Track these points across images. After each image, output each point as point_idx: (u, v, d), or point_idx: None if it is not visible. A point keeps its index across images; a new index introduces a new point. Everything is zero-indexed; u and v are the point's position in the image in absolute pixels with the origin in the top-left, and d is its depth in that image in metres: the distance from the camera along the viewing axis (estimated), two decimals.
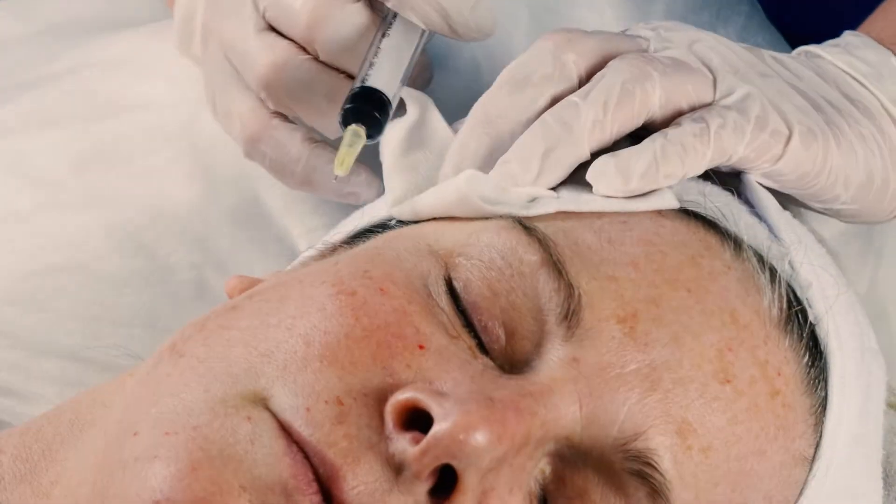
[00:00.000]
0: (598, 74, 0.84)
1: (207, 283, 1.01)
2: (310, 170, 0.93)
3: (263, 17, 0.92)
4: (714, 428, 0.76)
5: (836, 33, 0.99)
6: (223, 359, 0.75)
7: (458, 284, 0.78)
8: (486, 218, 0.82)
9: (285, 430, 0.72)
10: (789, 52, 1.20)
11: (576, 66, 0.86)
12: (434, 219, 0.84)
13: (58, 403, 0.89)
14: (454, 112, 0.91)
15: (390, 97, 0.88)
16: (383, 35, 0.90)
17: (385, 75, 0.89)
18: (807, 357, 0.81)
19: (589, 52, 0.86)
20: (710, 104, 0.85)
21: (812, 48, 0.96)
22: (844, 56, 0.94)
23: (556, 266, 0.78)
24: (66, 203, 1.02)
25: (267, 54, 0.91)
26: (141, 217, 1.02)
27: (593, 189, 0.82)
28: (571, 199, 0.82)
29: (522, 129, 0.84)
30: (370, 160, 0.92)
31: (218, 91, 0.96)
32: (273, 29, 0.92)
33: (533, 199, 0.82)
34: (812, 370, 0.81)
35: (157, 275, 1.01)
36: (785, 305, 0.81)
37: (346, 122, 0.87)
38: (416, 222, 0.85)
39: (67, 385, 0.98)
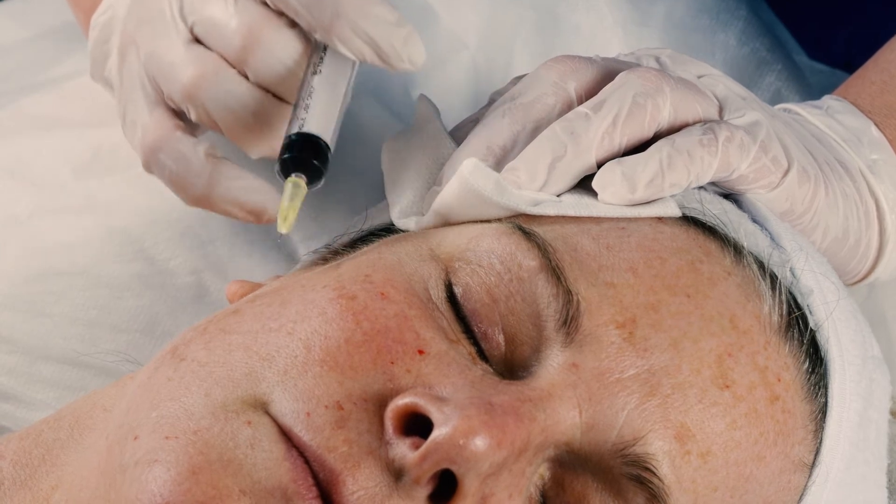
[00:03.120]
0: (610, 86, 0.84)
1: (207, 287, 1.01)
2: (211, 185, 0.89)
3: (191, 31, 0.90)
4: (713, 433, 0.76)
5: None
6: (224, 363, 0.75)
7: (457, 290, 0.78)
8: (487, 221, 0.82)
9: (285, 435, 0.72)
10: (787, 56, 1.19)
11: (577, 95, 0.85)
12: None
13: (57, 408, 0.89)
14: (453, 116, 0.91)
15: (328, 140, 0.84)
16: (314, 71, 0.86)
17: (320, 117, 0.85)
18: (807, 363, 0.81)
19: (592, 81, 0.86)
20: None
21: (791, 106, 0.97)
22: (825, 118, 0.95)
23: (554, 272, 0.78)
24: (66, 207, 1.02)
25: (194, 65, 0.88)
26: (140, 222, 1.02)
27: (599, 197, 0.82)
28: (573, 204, 0.82)
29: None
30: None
31: (128, 101, 0.93)
32: (200, 43, 0.89)
33: (536, 205, 0.82)
34: (812, 376, 0.81)
35: (156, 279, 1.01)
36: (785, 311, 0.81)
37: (285, 173, 0.83)
38: None
39: (67, 389, 0.97)
